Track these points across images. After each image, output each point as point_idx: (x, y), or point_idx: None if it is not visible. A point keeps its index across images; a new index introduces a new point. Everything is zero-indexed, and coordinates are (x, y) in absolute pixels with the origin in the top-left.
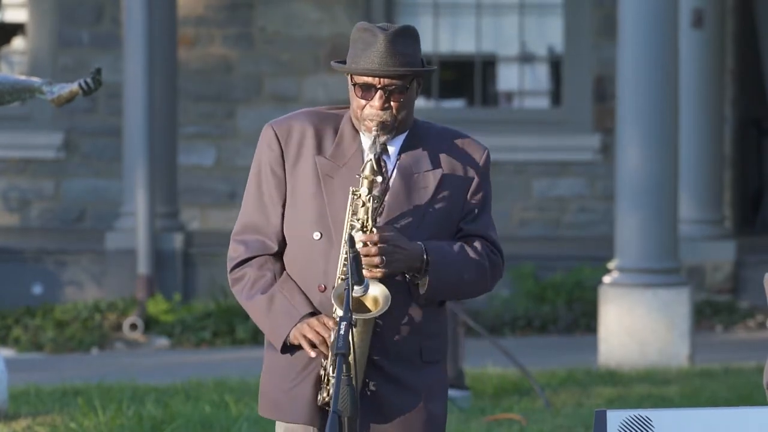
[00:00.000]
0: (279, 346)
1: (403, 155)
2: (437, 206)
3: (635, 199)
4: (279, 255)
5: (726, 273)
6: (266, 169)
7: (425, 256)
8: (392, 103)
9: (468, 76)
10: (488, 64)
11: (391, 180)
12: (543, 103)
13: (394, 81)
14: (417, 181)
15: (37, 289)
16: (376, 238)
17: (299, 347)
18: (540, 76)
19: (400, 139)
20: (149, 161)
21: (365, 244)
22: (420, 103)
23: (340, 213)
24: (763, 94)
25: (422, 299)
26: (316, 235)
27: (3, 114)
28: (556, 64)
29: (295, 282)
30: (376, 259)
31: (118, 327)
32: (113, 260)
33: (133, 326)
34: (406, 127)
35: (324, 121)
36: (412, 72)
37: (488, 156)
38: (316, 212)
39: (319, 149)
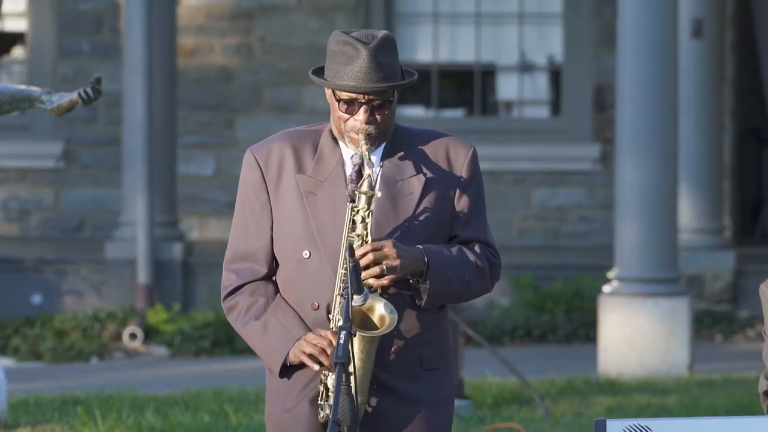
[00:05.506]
0: (277, 370)
1: (385, 163)
2: (425, 211)
3: (635, 209)
4: (270, 277)
5: (725, 283)
6: (250, 194)
7: (425, 259)
8: (377, 116)
9: (467, 86)
10: (488, 74)
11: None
12: (542, 112)
13: (378, 96)
14: (402, 188)
15: (36, 299)
16: (372, 246)
17: (297, 368)
18: (540, 85)
19: (381, 146)
20: (149, 171)
21: (365, 255)
22: (419, 112)
23: (327, 229)
24: (763, 105)
25: (425, 303)
26: (305, 254)
27: (3, 124)
28: (555, 74)
29: (288, 303)
30: (377, 269)
31: (118, 336)
32: (113, 270)
33: (133, 336)
34: (388, 135)
35: (303, 139)
36: (396, 85)
37: (474, 153)
38: (302, 231)
39: (300, 167)
